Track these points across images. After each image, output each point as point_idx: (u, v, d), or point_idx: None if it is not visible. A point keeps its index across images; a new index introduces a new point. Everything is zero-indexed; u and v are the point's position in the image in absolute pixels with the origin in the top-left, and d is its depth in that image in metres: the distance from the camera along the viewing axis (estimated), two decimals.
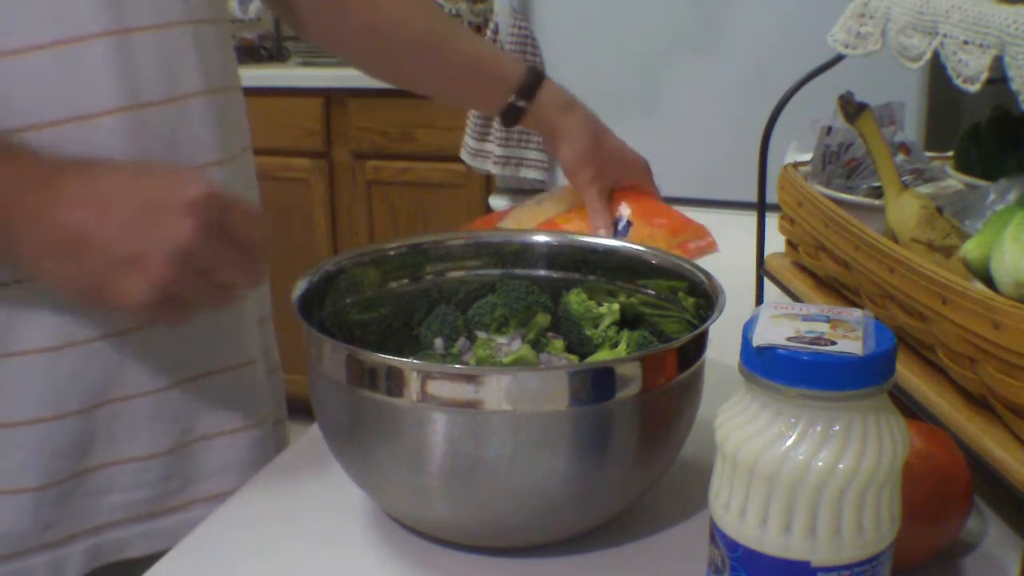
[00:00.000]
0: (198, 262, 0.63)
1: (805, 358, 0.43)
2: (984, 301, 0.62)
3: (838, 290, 0.86)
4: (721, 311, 0.63)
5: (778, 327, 0.45)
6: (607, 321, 0.74)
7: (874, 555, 0.45)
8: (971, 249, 0.68)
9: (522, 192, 2.11)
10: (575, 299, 0.75)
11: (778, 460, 0.44)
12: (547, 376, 0.58)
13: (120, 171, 0.66)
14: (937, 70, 0.79)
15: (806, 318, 0.46)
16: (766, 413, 0.45)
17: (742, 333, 0.46)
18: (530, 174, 2.05)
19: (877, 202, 0.85)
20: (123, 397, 0.77)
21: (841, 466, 0.43)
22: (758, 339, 0.44)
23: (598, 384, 0.57)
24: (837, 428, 0.43)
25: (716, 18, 1.90)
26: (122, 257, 0.62)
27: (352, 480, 0.65)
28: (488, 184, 2.46)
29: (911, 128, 1.78)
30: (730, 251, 1.00)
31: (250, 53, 2.77)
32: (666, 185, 2.10)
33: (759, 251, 0.97)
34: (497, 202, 2.13)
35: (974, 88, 0.66)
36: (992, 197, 0.77)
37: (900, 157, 0.92)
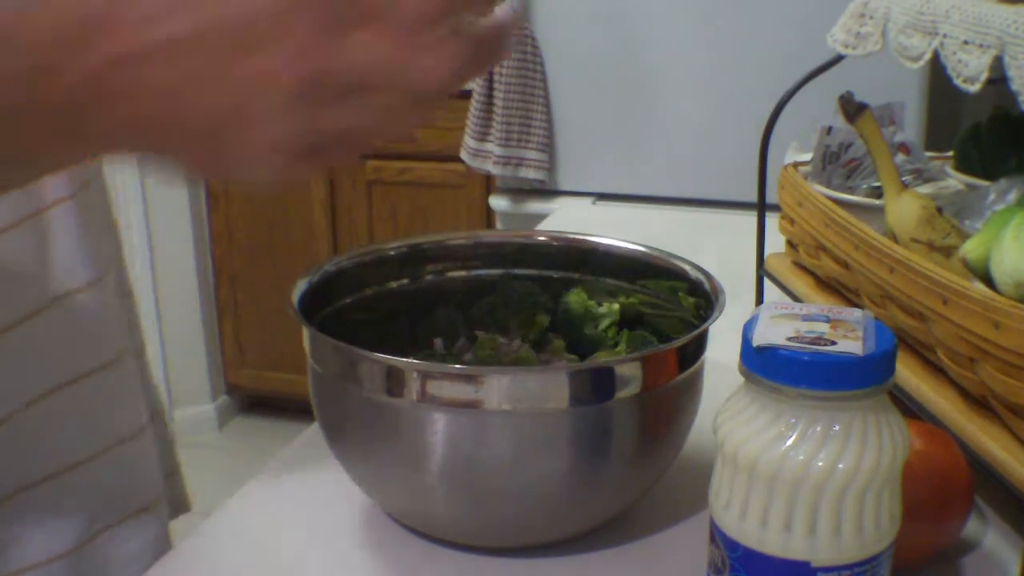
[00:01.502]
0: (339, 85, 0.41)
1: (805, 358, 0.43)
2: (984, 301, 0.62)
3: (838, 290, 0.86)
4: (721, 311, 0.63)
5: (778, 327, 0.45)
6: (607, 321, 0.74)
7: (874, 555, 0.45)
8: (971, 249, 0.68)
9: (522, 192, 2.11)
10: (575, 299, 0.75)
11: (778, 460, 0.44)
12: (547, 376, 0.58)
13: None
14: (937, 70, 0.79)
15: (806, 318, 0.46)
16: (766, 413, 0.45)
17: (742, 333, 0.46)
18: (530, 174, 2.05)
19: (877, 202, 0.85)
20: (4, 496, 0.64)
21: (841, 466, 0.43)
22: (758, 339, 0.44)
23: (598, 384, 0.57)
24: (837, 428, 0.43)
25: (716, 18, 1.90)
26: (213, 128, 0.41)
27: (352, 480, 0.65)
28: (488, 184, 2.46)
29: (911, 128, 1.78)
30: (730, 251, 1.00)
31: None
32: (667, 185, 2.11)
33: (759, 251, 0.97)
34: (497, 202, 2.13)
35: (974, 88, 0.66)
36: (992, 197, 0.77)
37: (900, 157, 0.92)
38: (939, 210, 0.76)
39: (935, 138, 1.85)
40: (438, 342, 0.74)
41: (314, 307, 0.69)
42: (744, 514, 0.45)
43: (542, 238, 0.79)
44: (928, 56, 0.71)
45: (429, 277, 0.78)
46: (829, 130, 0.93)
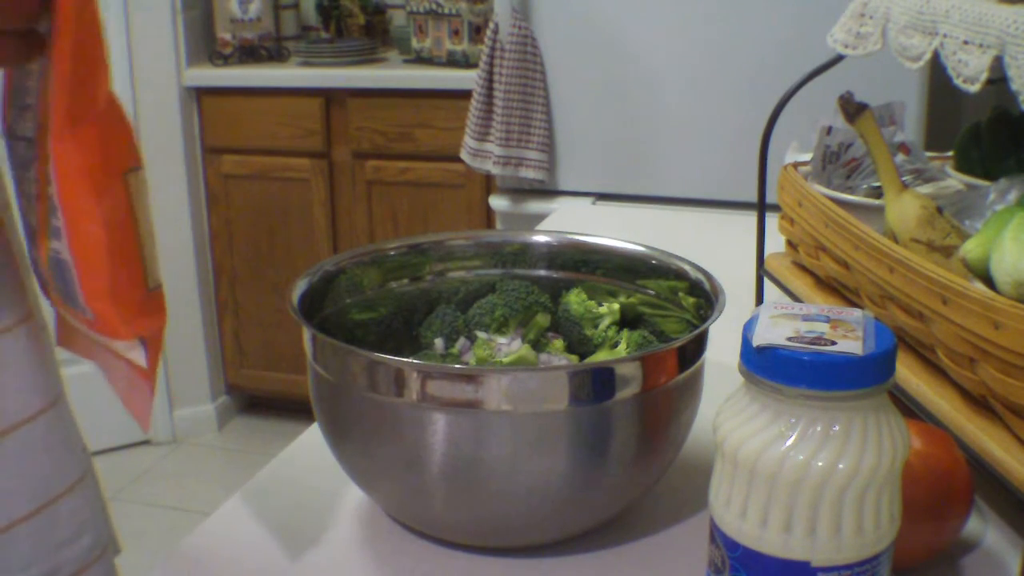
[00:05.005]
0: None
1: (805, 358, 0.43)
2: (984, 301, 0.62)
3: (838, 290, 0.86)
4: (721, 311, 0.63)
5: (778, 327, 0.45)
6: (607, 321, 0.74)
7: (874, 555, 0.45)
8: (971, 249, 0.68)
9: (522, 192, 2.11)
10: (575, 299, 0.75)
11: (778, 460, 0.44)
12: (547, 376, 0.58)
13: None
14: (937, 70, 0.79)
15: (806, 318, 0.46)
16: (766, 413, 0.45)
17: (742, 333, 0.46)
18: (530, 174, 2.05)
19: (877, 202, 0.85)
20: None
21: (841, 466, 0.43)
22: (758, 339, 0.44)
23: (598, 384, 0.57)
24: (837, 428, 0.43)
25: (716, 18, 1.90)
26: None
27: (352, 480, 0.65)
28: (488, 184, 2.46)
29: (911, 128, 1.78)
30: (730, 251, 1.00)
31: (250, 53, 2.77)
32: (667, 185, 2.11)
33: (759, 251, 0.97)
34: (497, 202, 2.13)
35: (974, 88, 0.66)
36: (992, 197, 0.77)
37: (900, 157, 0.92)
38: (939, 210, 0.76)
39: (935, 138, 1.85)
40: (438, 342, 0.74)
41: (314, 307, 0.69)
42: (744, 514, 0.45)
43: (542, 238, 0.79)
44: (928, 56, 0.71)
45: (429, 277, 0.78)
46: (829, 130, 0.93)
